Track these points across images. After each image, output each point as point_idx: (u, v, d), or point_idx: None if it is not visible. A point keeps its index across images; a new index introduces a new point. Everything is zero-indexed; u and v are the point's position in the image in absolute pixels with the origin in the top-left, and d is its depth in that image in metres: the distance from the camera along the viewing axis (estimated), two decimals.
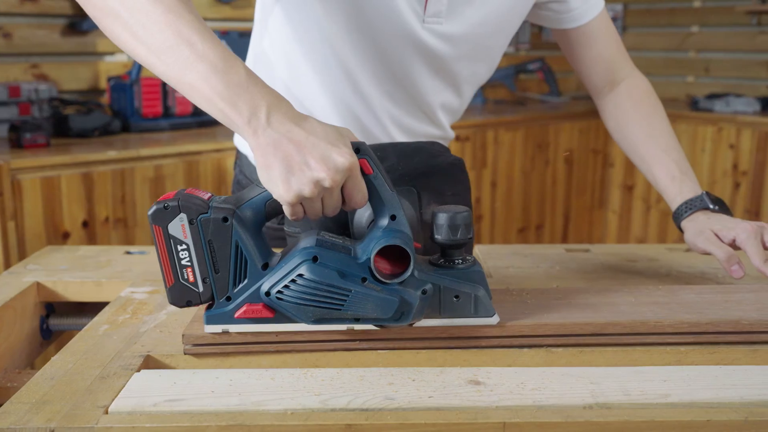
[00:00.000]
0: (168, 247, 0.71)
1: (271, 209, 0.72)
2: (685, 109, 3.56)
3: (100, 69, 2.52)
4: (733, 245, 0.91)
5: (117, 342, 0.80)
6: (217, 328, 0.73)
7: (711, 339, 0.74)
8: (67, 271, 1.05)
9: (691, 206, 0.97)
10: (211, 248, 0.71)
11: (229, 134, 2.37)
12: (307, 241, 0.72)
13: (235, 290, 0.72)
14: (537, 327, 0.75)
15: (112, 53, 2.54)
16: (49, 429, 0.62)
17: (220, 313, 0.73)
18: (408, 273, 0.71)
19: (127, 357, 0.75)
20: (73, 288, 1.02)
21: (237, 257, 0.71)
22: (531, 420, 0.62)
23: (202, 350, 0.74)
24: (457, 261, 0.75)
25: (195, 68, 0.70)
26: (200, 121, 2.44)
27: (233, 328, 0.73)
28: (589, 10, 1.05)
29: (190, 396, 0.66)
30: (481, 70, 1.03)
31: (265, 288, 0.71)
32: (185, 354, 0.75)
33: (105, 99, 2.48)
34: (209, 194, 0.72)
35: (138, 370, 0.72)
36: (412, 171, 0.72)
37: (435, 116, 1.01)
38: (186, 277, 0.72)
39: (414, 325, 0.74)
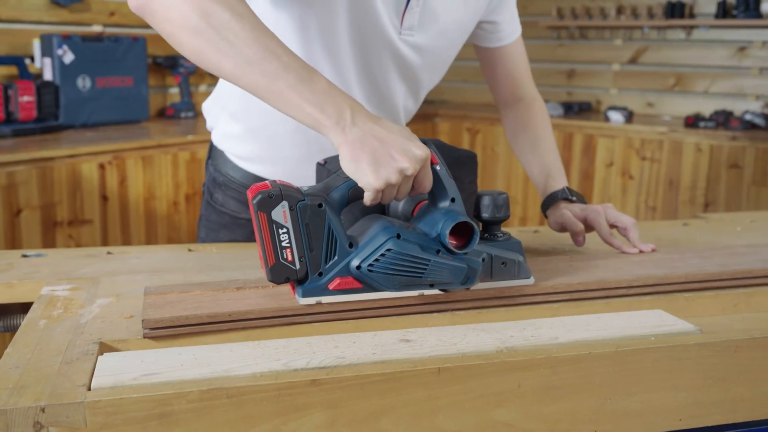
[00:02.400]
0: (271, 231, 0.80)
1: (353, 195, 0.83)
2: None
3: None
4: (586, 223, 1.12)
5: (64, 333, 0.84)
6: (311, 300, 0.83)
7: (580, 296, 0.93)
8: None
9: (555, 197, 1.17)
10: (308, 231, 0.81)
11: (81, 141, 2.33)
12: (382, 223, 0.84)
13: (326, 266, 0.83)
14: (567, 285, 0.93)
15: None
16: (39, 407, 0.66)
17: (314, 287, 0.83)
18: (474, 244, 0.85)
19: (81, 345, 0.80)
20: None
21: (329, 238, 0.82)
22: (459, 364, 0.76)
23: (161, 333, 0.81)
24: (498, 234, 0.92)
25: (283, 78, 0.78)
26: (44, 127, 2.37)
27: (326, 299, 0.84)
28: (511, 35, 1.26)
29: (163, 370, 0.74)
30: (435, 79, 1.19)
31: (355, 263, 0.82)
32: (144, 337, 0.82)
33: None
34: (293, 184, 0.82)
35: (100, 354, 0.78)
36: None
37: (398, 119, 1.16)
38: (285, 257, 0.81)
39: (470, 289, 0.89)
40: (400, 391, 0.74)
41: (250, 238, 1.26)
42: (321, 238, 0.82)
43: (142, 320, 0.81)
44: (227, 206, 1.25)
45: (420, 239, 0.84)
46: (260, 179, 1.18)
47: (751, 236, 1.36)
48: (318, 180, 1.03)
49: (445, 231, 0.84)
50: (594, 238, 1.16)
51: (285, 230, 0.80)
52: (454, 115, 4.39)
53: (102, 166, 2.22)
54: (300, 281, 0.84)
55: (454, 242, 0.86)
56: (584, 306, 0.94)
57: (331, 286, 0.84)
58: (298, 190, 0.81)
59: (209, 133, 1.29)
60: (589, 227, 1.12)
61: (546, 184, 1.20)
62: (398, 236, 0.83)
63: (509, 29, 1.26)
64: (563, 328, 0.86)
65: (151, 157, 2.39)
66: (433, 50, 1.13)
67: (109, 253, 1.20)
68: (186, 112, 3.44)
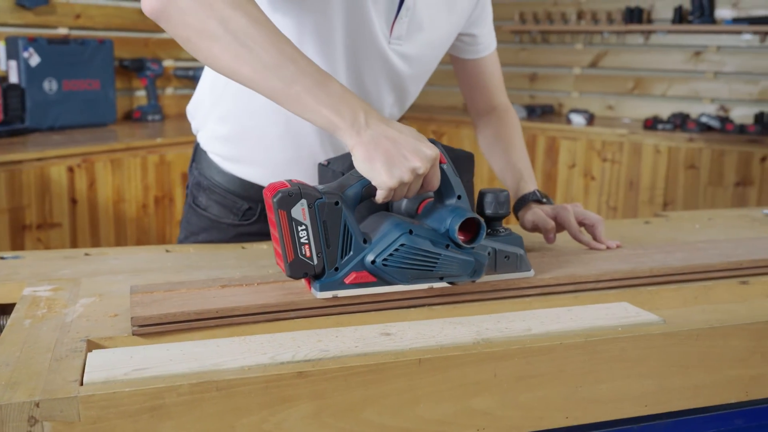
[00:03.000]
0: (290, 228, 0.82)
1: (366, 194, 0.86)
2: (466, 116, 3.98)
3: None
4: (556, 222, 1.16)
5: (50, 332, 0.85)
6: (328, 294, 0.86)
7: (551, 290, 0.98)
8: None
9: (526, 199, 1.22)
10: (325, 227, 0.83)
11: (49, 144, 2.32)
12: (393, 220, 0.87)
13: (342, 261, 0.86)
14: (539, 280, 0.98)
15: None
16: (33, 402, 0.68)
17: (330, 281, 0.86)
18: (481, 239, 0.89)
19: (68, 342, 0.82)
20: None
21: (344, 234, 0.85)
22: (439, 355, 0.79)
23: (150, 330, 0.83)
24: (500, 230, 0.96)
25: (300, 82, 0.81)
26: (11, 130, 2.36)
27: (342, 293, 0.87)
28: (488, 48, 1.31)
29: (153, 365, 0.76)
30: (419, 88, 1.23)
31: (370, 258, 0.85)
32: (133, 335, 0.84)
33: None
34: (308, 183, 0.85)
35: (89, 351, 0.80)
36: None
37: None
38: (304, 253, 0.84)
39: (475, 282, 0.94)
40: (383, 381, 0.77)
41: (228, 242, 1.28)
42: (337, 234, 0.85)
43: (131, 318, 0.83)
44: (210, 210, 1.26)
45: (430, 235, 0.88)
46: (246, 183, 1.20)
47: (709, 233, 1.42)
48: (321, 180, 1.06)
49: (455, 226, 0.88)
50: (563, 236, 1.21)
51: (304, 227, 0.83)
52: (419, 117, 4.44)
53: (71, 170, 2.22)
54: (317, 276, 0.87)
55: (462, 237, 0.90)
56: (555, 299, 0.98)
57: (347, 281, 0.87)
58: (314, 188, 0.84)
59: (178, 135, 1.31)
60: (559, 225, 1.16)
61: (518, 187, 1.25)
62: (410, 232, 0.87)
63: (486, 42, 1.31)
64: (536, 320, 0.90)
65: (120, 160, 2.39)
66: (420, 60, 1.17)
67: (86, 254, 1.21)
68: (153, 115, 3.43)
